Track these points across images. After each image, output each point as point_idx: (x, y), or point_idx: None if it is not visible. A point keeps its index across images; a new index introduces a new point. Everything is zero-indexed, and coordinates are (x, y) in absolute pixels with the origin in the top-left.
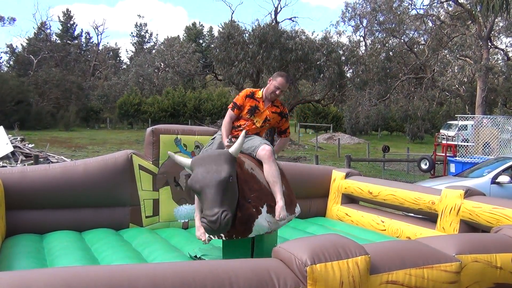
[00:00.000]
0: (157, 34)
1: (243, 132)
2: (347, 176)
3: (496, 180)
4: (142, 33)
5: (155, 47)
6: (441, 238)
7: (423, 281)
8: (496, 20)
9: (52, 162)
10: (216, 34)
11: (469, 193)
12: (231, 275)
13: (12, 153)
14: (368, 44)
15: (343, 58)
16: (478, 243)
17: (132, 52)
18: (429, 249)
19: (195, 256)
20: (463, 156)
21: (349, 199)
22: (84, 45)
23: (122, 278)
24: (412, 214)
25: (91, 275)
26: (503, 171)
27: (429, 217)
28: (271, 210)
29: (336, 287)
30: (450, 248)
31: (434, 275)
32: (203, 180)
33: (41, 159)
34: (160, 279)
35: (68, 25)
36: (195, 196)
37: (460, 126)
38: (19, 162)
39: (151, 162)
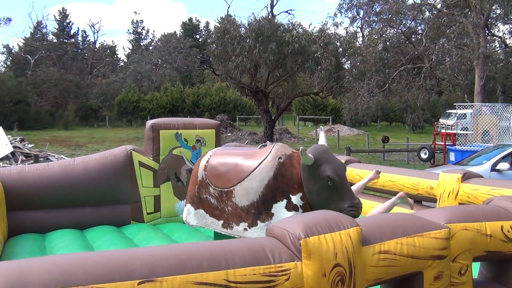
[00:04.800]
0: (153, 31)
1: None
2: (346, 163)
3: (496, 168)
4: (139, 30)
5: (152, 43)
6: (431, 211)
7: (414, 249)
8: (492, 7)
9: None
10: (212, 29)
11: (467, 176)
12: (227, 253)
13: (12, 153)
14: (365, 35)
15: (341, 49)
16: (467, 212)
17: (129, 49)
18: (419, 219)
19: None
20: (463, 144)
21: None
22: (80, 44)
23: (119, 261)
24: (412, 200)
25: (88, 260)
26: (503, 158)
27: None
28: None
29: (330, 258)
30: (440, 217)
31: (425, 242)
32: (344, 173)
33: (41, 159)
34: (157, 260)
35: (64, 23)
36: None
37: (459, 114)
38: (19, 162)
39: (151, 158)
